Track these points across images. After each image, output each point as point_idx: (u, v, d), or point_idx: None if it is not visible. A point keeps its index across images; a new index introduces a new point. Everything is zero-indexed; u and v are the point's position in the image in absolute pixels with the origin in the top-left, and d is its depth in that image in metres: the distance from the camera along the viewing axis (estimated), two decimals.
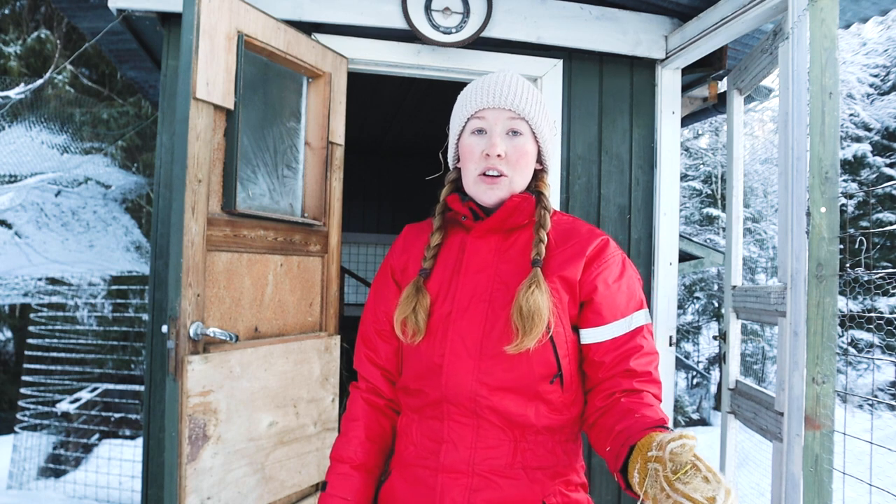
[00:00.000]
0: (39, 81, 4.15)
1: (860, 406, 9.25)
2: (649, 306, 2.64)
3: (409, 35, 2.47)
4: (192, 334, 1.72)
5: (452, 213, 1.22)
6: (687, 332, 11.10)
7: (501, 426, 1.11)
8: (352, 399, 1.28)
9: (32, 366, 5.54)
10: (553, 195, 2.61)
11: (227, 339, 1.76)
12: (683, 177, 11.47)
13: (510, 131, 1.15)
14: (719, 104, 3.18)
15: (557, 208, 2.62)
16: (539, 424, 1.11)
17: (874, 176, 10.98)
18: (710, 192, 11.22)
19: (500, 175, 1.14)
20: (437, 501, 1.11)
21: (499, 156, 1.13)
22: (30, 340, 5.62)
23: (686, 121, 3.53)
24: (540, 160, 1.22)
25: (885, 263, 10.10)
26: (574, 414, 1.14)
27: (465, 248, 1.18)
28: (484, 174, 1.14)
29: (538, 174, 1.22)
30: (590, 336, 1.12)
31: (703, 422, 9.53)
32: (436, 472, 1.13)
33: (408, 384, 1.20)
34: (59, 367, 5.61)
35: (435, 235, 1.22)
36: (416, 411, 1.19)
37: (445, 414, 1.14)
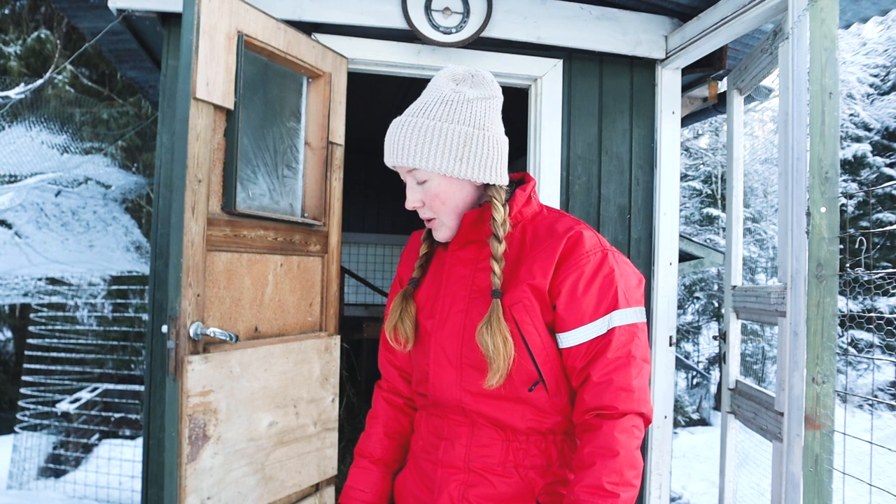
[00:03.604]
0: (39, 81, 4.15)
1: (860, 406, 9.25)
2: (649, 306, 2.64)
3: (409, 35, 2.47)
4: (192, 334, 1.72)
5: None
6: (687, 332, 11.09)
7: (492, 427, 1.14)
8: (375, 398, 1.36)
9: (32, 366, 5.54)
10: (553, 195, 2.62)
11: (227, 339, 1.76)
12: (683, 177, 11.46)
13: (416, 181, 1.15)
14: (719, 104, 3.17)
15: (557, 207, 2.63)
16: (525, 427, 1.12)
17: (874, 176, 10.97)
18: (710, 192, 11.21)
19: (431, 219, 1.18)
20: (436, 494, 1.16)
21: (416, 206, 1.17)
22: (30, 340, 5.61)
23: (686, 121, 3.53)
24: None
25: (885, 263, 10.10)
26: (569, 416, 1.14)
27: (446, 259, 1.21)
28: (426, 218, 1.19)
29: (489, 189, 1.16)
30: (561, 341, 1.12)
31: (703, 422, 9.53)
32: (436, 466, 1.18)
33: (416, 387, 1.26)
34: (59, 367, 5.61)
35: (423, 245, 1.26)
36: (424, 409, 1.25)
37: (444, 413, 1.19)
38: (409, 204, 1.16)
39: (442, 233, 1.17)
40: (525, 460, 1.13)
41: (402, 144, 1.11)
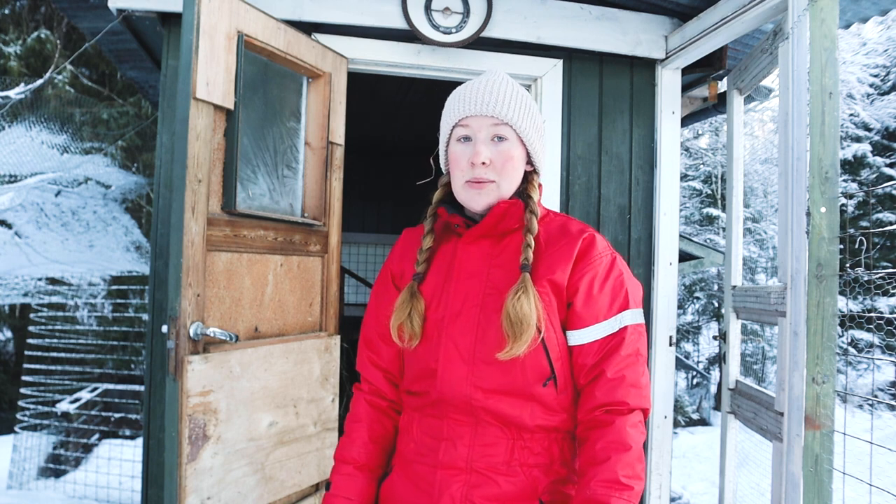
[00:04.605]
0: (39, 81, 4.16)
1: (860, 406, 9.24)
2: (649, 306, 2.64)
3: (409, 35, 2.47)
4: (192, 334, 1.72)
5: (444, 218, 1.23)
6: (687, 332, 11.09)
7: (498, 425, 1.13)
8: (355, 400, 1.31)
9: (32, 366, 5.54)
10: (553, 195, 2.62)
11: (227, 339, 1.76)
12: (683, 177, 11.46)
13: (495, 137, 1.15)
14: (719, 104, 3.18)
15: (558, 208, 2.63)
16: (533, 424, 1.13)
17: (874, 176, 10.97)
18: (710, 192, 11.21)
19: (488, 182, 1.15)
20: (436, 497, 1.13)
21: (483, 163, 1.13)
22: (30, 340, 5.61)
23: (686, 121, 3.53)
24: (530, 161, 1.22)
25: (885, 263, 10.10)
26: (571, 414, 1.16)
27: (457, 253, 1.19)
28: (471, 181, 1.15)
29: (528, 175, 1.22)
30: (573, 338, 1.14)
31: (703, 422, 9.53)
32: (435, 468, 1.15)
33: (409, 386, 1.22)
34: (59, 367, 5.61)
35: (426, 238, 1.23)
36: (417, 410, 1.21)
37: (444, 413, 1.16)
38: (483, 157, 1.13)
39: (485, 200, 1.15)
40: (529, 458, 1.13)
41: (503, 97, 1.14)
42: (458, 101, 1.17)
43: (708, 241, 10.01)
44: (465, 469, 1.13)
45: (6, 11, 8.04)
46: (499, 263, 1.16)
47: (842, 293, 8.73)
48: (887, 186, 9.33)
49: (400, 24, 2.44)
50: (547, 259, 1.14)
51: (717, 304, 10.75)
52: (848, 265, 2.32)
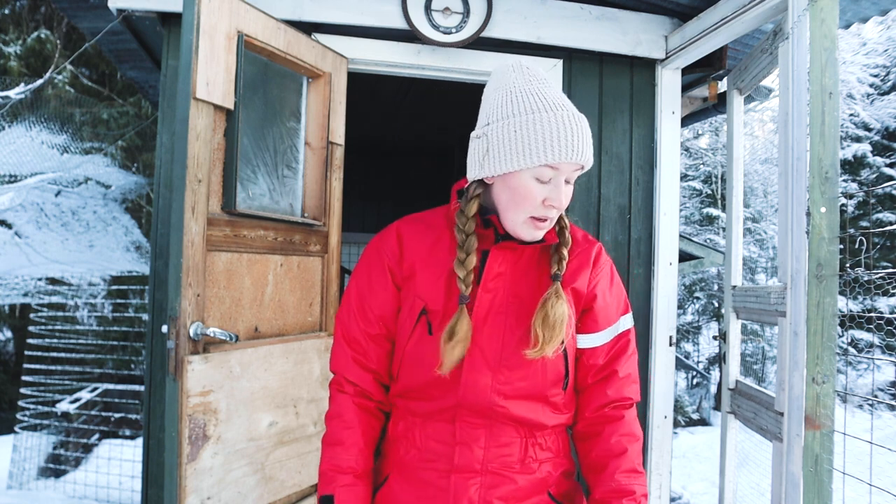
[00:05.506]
0: (39, 81, 4.16)
1: (860, 406, 9.24)
2: (649, 306, 2.65)
3: (409, 35, 2.47)
4: (192, 334, 1.72)
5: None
6: (687, 332, 11.10)
7: (513, 425, 1.15)
8: (341, 404, 1.21)
9: (32, 366, 5.54)
10: None
11: (227, 339, 1.76)
12: (683, 177, 11.46)
13: (567, 181, 1.11)
14: (719, 104, 3.17)
15: None
16: (546, 423, 1.17)
17: (874, 176, 10.97)
18: (710, 192, 11.22)
19: (549, 219, 1.12)
20: (451, 502, 1.12)
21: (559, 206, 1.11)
22: (30, 340, 5.62)
23: (686, 121, 3.53)
24: None
25: (885, 263, 10.10)
26: (573, 411, 1.22)
27: (485, 262, 1.16)
28: (536, 218, 1.10)
29: None
30: (586, 341, 1.19)
31: (703, 422, 9.53)
32: (448, 473, 1.13)
33: (415, 391, 1.17)
34: (59, 367, 5.61)
35: (471, 258, 1.13)
36: (420, 415, 1.17)
37: (457, 416, 1.14)
38: (563, 203, 1.09)
39: (541, 233, 1.13)
40: (541, 454, 1.17)
41: (589, 143, 1.08)
42: (555, 141, 1.06)
43: (708, 241, 10.01)
44: (481, 471, 1.13)
45: (6, 11, 8.04)
46: (518, 270, 1.18)
47: (842, 293, 8.72)
48: (887, 186, 9.34)
49: (400, 24, 2.44)
50: (567, 267, 1.18)
51: (717, 304, 10.75)
52: (848, 265, 2.33)
